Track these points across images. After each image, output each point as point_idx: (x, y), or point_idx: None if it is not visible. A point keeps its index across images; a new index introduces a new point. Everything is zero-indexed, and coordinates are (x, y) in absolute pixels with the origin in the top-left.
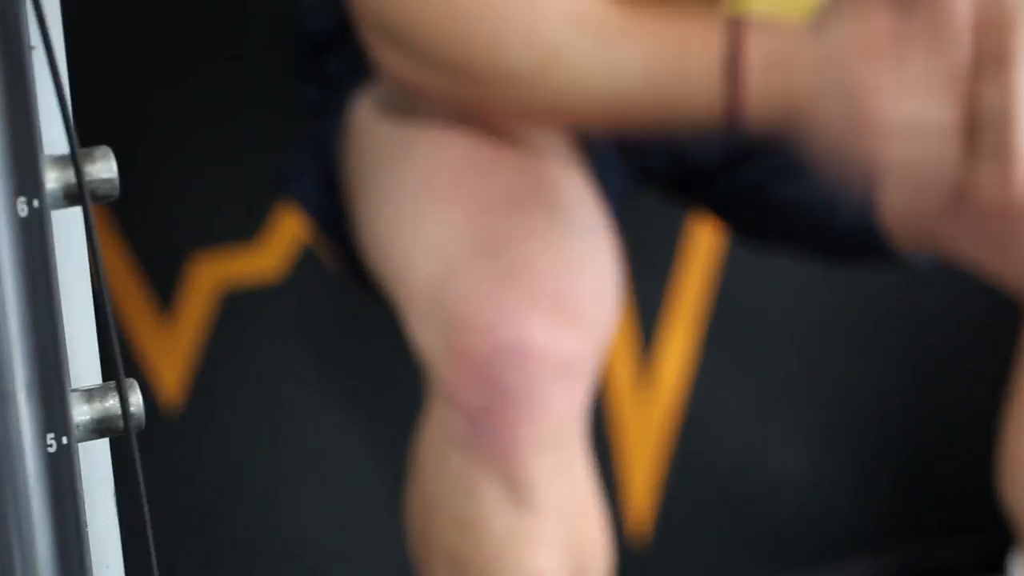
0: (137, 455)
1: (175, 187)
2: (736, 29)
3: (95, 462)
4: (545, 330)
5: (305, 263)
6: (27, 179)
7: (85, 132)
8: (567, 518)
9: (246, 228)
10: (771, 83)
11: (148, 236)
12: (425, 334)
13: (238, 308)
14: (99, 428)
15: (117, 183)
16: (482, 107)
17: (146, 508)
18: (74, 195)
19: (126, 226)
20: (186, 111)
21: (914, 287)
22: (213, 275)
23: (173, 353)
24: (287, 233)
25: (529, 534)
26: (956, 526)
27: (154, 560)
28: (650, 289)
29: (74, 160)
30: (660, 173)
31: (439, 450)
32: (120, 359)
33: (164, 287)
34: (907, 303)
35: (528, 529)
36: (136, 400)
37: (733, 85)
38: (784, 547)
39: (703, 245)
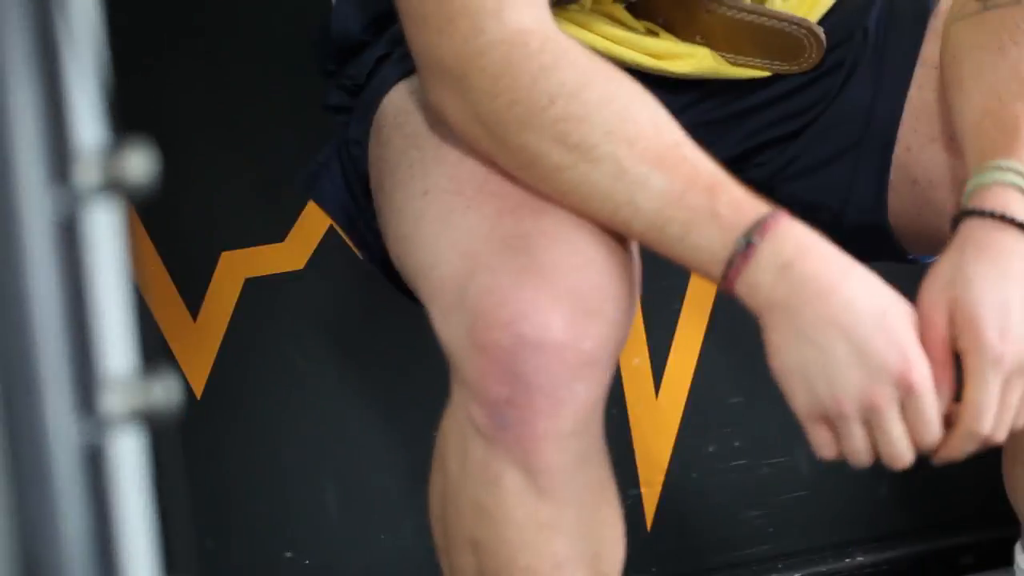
0: (175, 446)
1: (203, 188)
2: (770, 218)
3: (128, 452)
4: (566, 325)
5: (326, 253)
6: (61, 170)
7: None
8: (585, 507)
9: (274, 230)
10: (767, 287)
11: (177, 237)
12: (449, 328)
13: (259, 296)
14: (133, 419)
15: (154, 175)
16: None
17: (184, 501)
18: (109, 187)
19: (154, 227)
20: (214, 113)
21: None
22: (241, 275)
23: (201, 348)
24: (315, 235)
25: (549, 522)
26: (963, 517)
27: (189, 550)
28: (663, 284)
29: (109, 151)
30: None
31: (462, 440)
32: (155, 350)
33: (192, 287)
34: (913, 296)
35: (548, 517)
36: (172, 391)
37: (730, 270)
38: (790, 535)
39: None
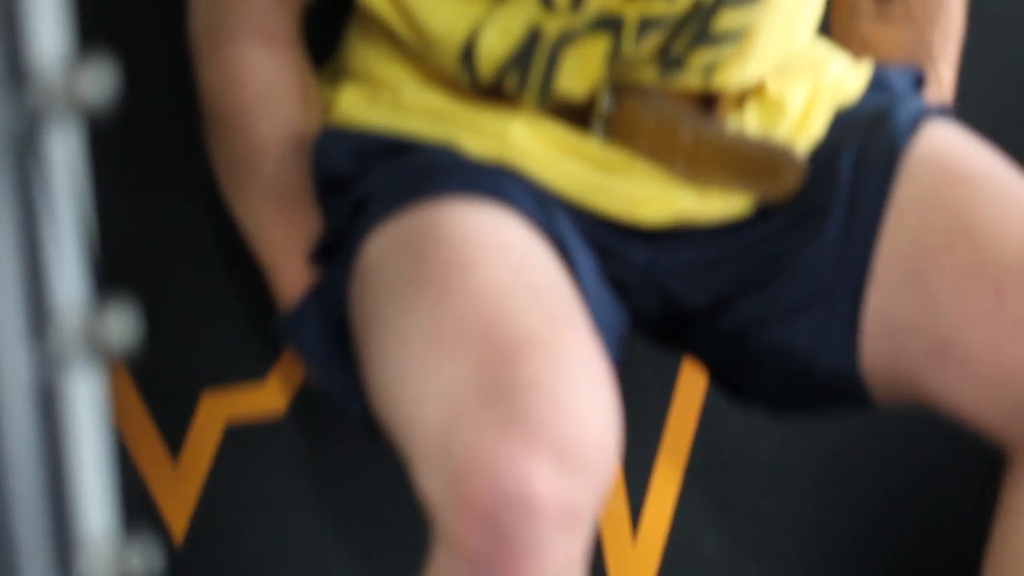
0: None
1: (185, 325)
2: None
3: None
4: (548, 478)
5: (310, 391)
6: (42, 330)
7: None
8: None
9: (256, 367)
10: None
11: (157, 374)
12: (430, 481)
13: (241, 440)
14: None
15: (136, 333)
16: None
17: None
18: (91, 346)
19: (134, 366)
20: (197, 249)
21: (892, 428)
22: (222, 418)
23: (181, 493)
24: (298, 372)
25: None
26: None
27: None
28: (641, 425)
29: (91, 309)
30: (650, 316)
31: None
32: (135, 500)
33: (173, 427)
34: (885, 443)
35: None
36: (150, 556)
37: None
38: None
39: (692, 390)
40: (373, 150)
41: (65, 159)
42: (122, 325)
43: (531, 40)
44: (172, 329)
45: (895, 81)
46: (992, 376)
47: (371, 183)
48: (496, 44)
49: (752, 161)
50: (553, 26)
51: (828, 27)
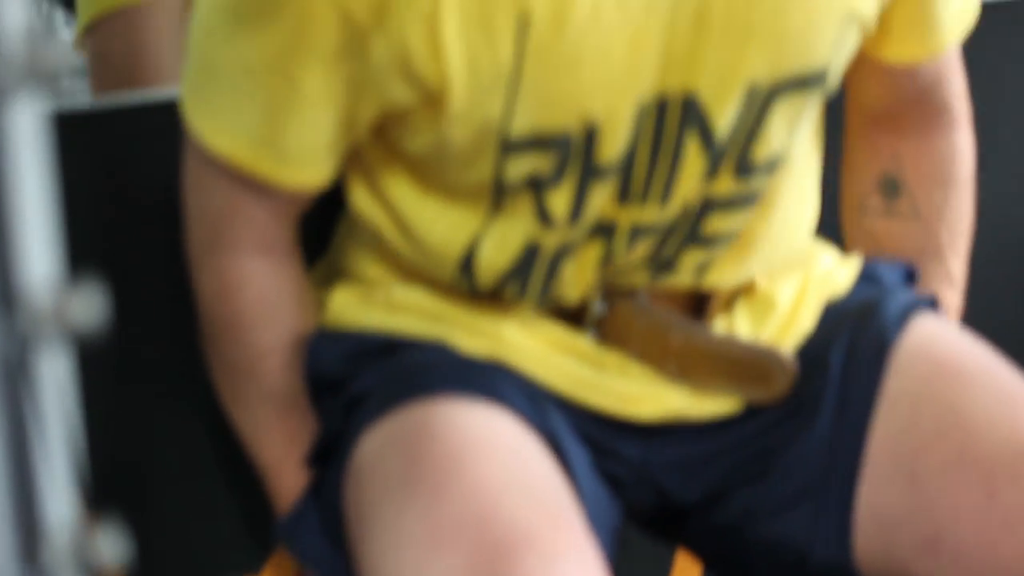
0: None
1: (178, 525)
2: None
3: None
4: None
5: None
6: (34, 552)
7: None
8: None
9: (250, 562)
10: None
11: (151, 574)
12: None
13: None
14: None
15: (124, 556)
16: None
17: None
18: (81, 566)
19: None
20: (186, 451)
21: None
22: None
23: None
24: (290, 566)
25: None
26: None
27: None
28: None
29: (82, 530)
30: (644, 509)
31: None
32: None
33: None
34: None
35: None
36: None
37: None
38: None
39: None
40: (366, 351)
41: (55, 382)
42: (112, 546)
43: (530, 254)
44: (165, 528)
45: (884, 274)
46: (985, 569)
47: (364, 383)
48: (496, 257)
49: (742, 366)
50: (551, 240)
51: (828, 222)
